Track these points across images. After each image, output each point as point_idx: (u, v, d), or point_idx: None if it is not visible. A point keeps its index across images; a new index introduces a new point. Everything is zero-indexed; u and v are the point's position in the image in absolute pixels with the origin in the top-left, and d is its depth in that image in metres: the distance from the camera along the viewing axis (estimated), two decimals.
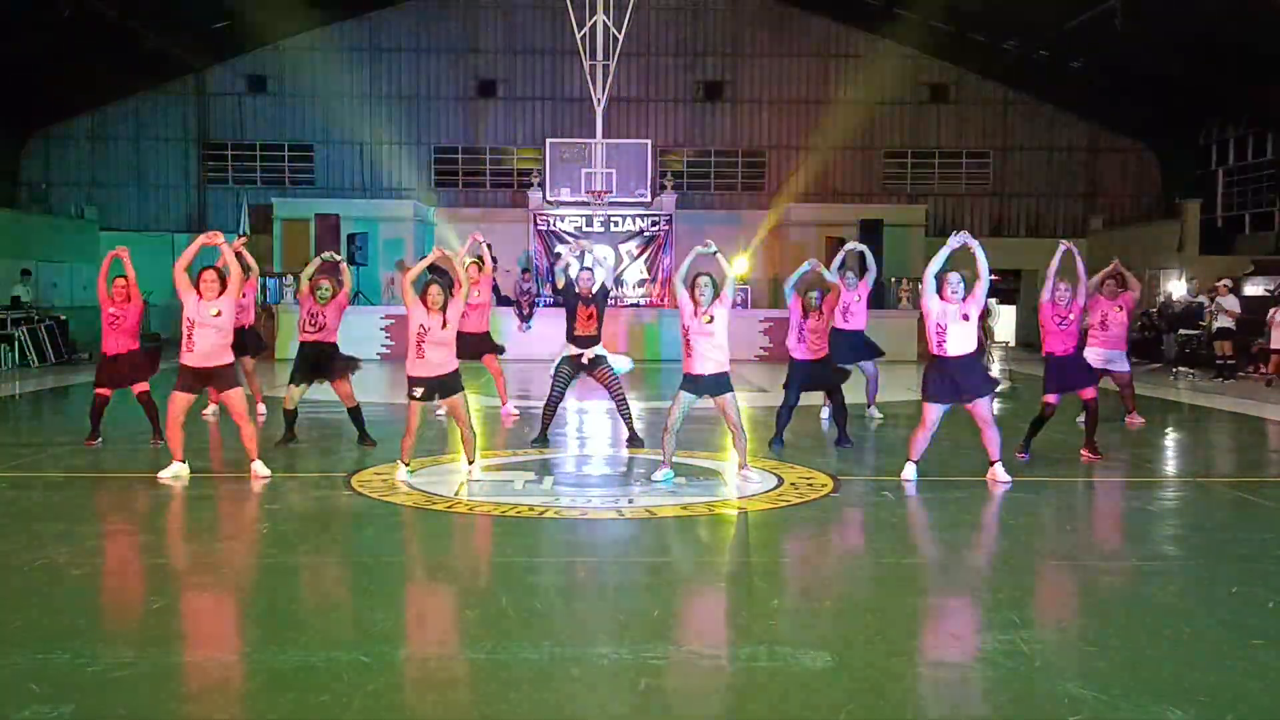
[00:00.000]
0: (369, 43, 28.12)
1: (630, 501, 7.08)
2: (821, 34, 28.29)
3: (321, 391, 9.73)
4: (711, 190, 28.67)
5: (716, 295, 7.52)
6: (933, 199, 27.96)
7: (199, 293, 7.48)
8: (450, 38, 28.14)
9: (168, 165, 28.11)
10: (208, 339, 7.49)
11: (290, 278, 20.87)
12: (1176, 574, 5.54)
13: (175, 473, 7.61)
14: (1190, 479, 8.51)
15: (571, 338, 9.25)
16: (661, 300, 24.40)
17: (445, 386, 7.55)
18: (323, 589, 5.30)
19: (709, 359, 7.53)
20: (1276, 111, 22.66)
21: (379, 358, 19.90)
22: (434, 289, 7.36)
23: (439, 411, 10.19)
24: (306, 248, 21.86)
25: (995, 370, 18.46)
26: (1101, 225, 27.66)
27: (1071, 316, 8.82)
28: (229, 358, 7.71)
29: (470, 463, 7.81)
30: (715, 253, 7.70)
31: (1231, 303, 17.12)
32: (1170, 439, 11.05)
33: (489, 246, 11.61)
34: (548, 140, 25.87)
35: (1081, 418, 9.21)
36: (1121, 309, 10.43)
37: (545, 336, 19.92)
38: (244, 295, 10.04)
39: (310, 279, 9.31)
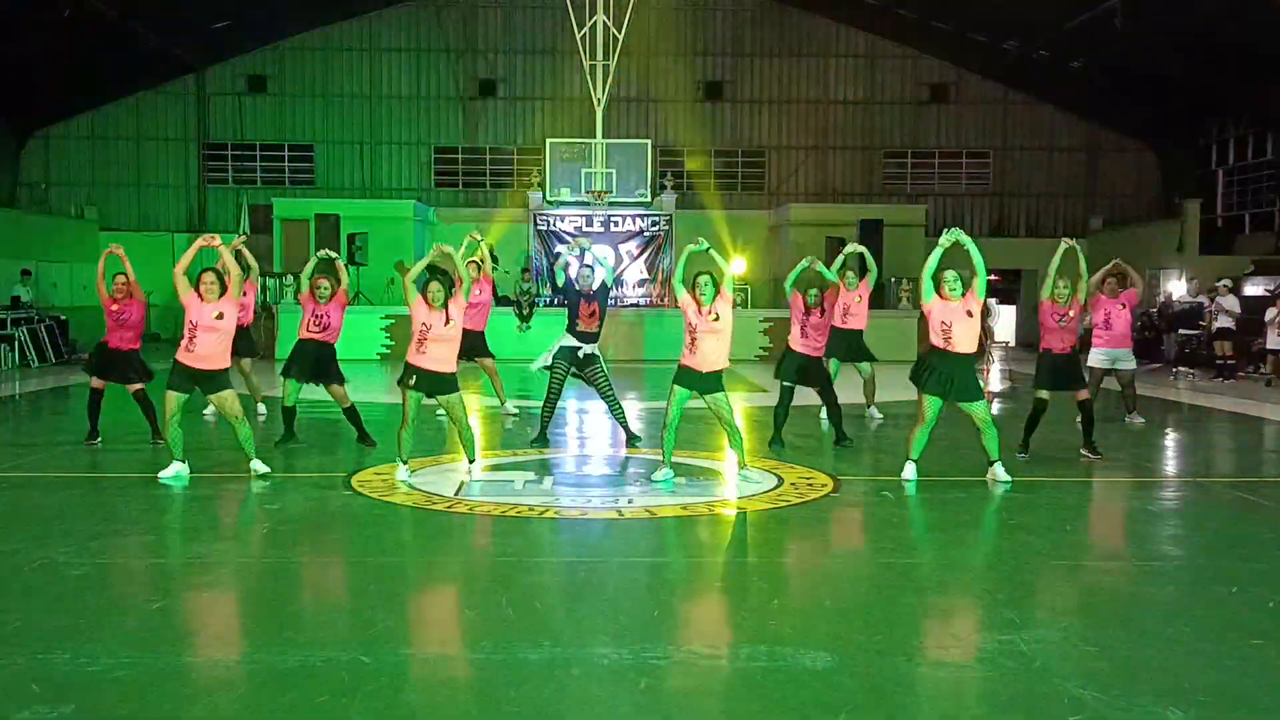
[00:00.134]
0: (369, 43, 28.11)
1: (630, 501, 7.08)
2: (821, 34, 28.28)
3: (320, 391, 9.72)
4: (712, 190, 28.66)
5: (717, 292, 7.53)
6: (933, 199, 27.94)
7: (199, 295, 7.48)
8: (450, 38, 28.13)
9: (168, 165, 28.10)
10: (209, 342, 7.50)
11: (290, 277, 20.88)
12: (1176, 574, 5.54)
13: (175, 472, 7.62)
14: (1190, 479, 8.51)
15: (573, 331, 9.26)
16: (662, 300, 24.40)
17: (440, 383, 7.54)
18: (323, 589, 5.30)
19: (713, 356, 7.54)
20: (1276, 111, 22.66)
21: (379, 358, 19.90)
22: (434, 285, 7.38)
23: (440, 412, 10.19)
24: (306, 248, 21.84)
25: (995, 370, 18.46)
26: (1101, 225, 27.65)
27: (1071, 314, 8.82)
28: (225, 363, 7.69)
29: (470, 462, 7.81)
30: (707, 249, 7.70)
31: (1231, 303, 17.12)
32: (1170, 439, 11.05)
33: (490, 247, 11.61)
34: (548, 140, 25.86)
35: (1080, 417, 9.20)
36: (1124, 307, 10.43)
37: (545, 337, 19.92)
38: (244, 295, 10.03)
39: (310, 280, 9.31)
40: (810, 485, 7.63)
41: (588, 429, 11.07)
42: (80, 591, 5.03)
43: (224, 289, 7.57)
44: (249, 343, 11.27)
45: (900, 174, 28.76)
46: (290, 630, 4.43)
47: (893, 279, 22.22)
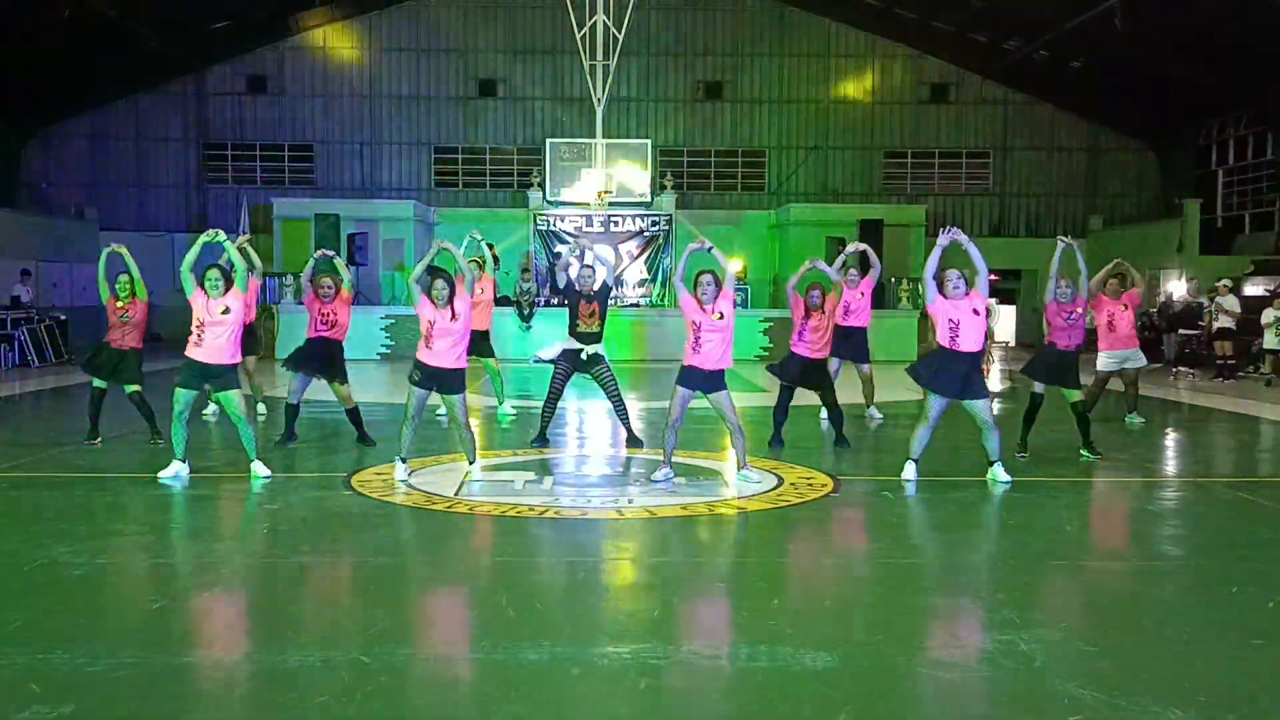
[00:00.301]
0: (369, 43, 28.12)
1: (630, 501, 7.08)
2: (821, 34, 28.29)
3: (321, 392, 9.73)
4: (711, 190, 28.67)
5: (719, 291, 7.52)
6: (933, 199, 27.95)
7: (205, 292, 7.51)
8: (450, 37, 28.14)
9: (168, 165, 28.11)
10: (217, 337, 7.53)
11: (290, 277, 20.88)
12: (1176, 574, 5.54)
13: (175, 472, 7.62)
14: (1190, 479, 8.51)
15: (574, 333, 9.27)
16: (662, 300, 24.40)
17: (446, 380, 7.55)
18: (322, 589, 5.30)
19: (716, 355, 7.53)
20: (1276, 111, 22.66)
21: (379, 358, 19.91)
22: (438, 283, 7.41)
23: (440, 412, 10.19)
24: (306, 248, 21.86)
25: (995, 370, 18.46)
26: (1101, 225, 27.66)
27: (1079, 311, 8.84)
28: (234, 359, 7.71)
29: (470, 462, 7.81)
30: (709, 250, 7.70)
31: (1231, 303, 17.12)
32: (1170, 439, 11.05)
33: (490, 246, 11.61)
34: (548, 140, 25.86)
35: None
36: (1127, 307, 10.42)
37: (545, 337, 19.93)
38: (248, 291, 10.03)
39: (313, 281, 9.31)
40: (810, 485, 7.63)
41: (588, 429, 11.07)
42: (80, 591, 5.03)
43: (229, 284, 7.59)
44: (253, 341, 11.28)
45: (900, 174, 28.77)
46: (290, 630, 4.43)
47: (893, 279, 22.23)
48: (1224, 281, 17.81)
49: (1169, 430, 11.61)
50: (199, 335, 7.52)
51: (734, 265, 23.36)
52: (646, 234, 25.24)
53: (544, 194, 25.06)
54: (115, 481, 7.74)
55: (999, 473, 7.63)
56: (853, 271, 11.04)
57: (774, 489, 7.45)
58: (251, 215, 25.20)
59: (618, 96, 26.00)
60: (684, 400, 7.64)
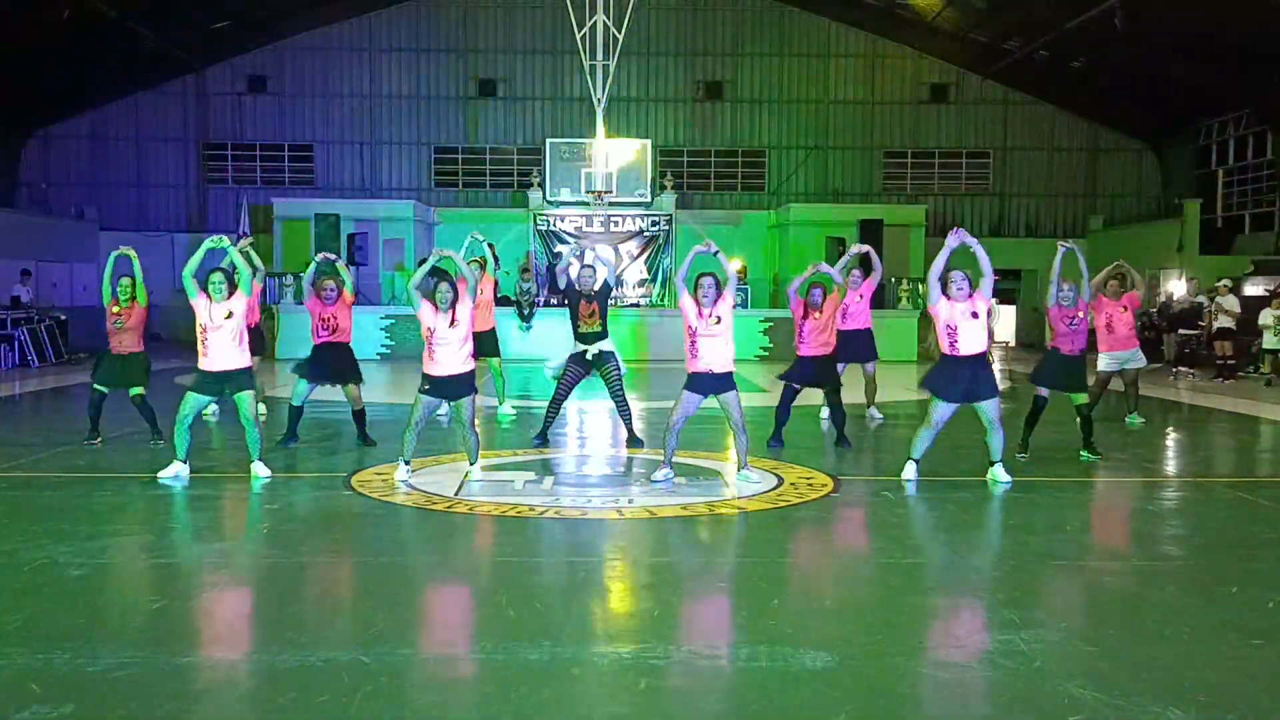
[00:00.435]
0: (369, 43, 28.12)
1: (630, 501, 7.08)
2: (821, 34, 28.29)
3: (323, 392, 9.73)
4: (711, 190, 28.67)
5: (720, 295, 7.52)
6: (933, 199, 27.96)
7: (209, 296, 7.51)
8: (450, 38, 28.13)
9: (168, 165, 28.10)
10: (222, 341, 7.53)
11: (290, 278, 20.89)
12: (1176, 574, 5.54)
13: (175, 472, 7.62)
14: (1190, 479, 8.51)
15: (576, 335, 9.28)
16: (662, 300, 24.41)
17: (455, 387, 7.55)
18: (323, 589, 5.30)
19: (715, 359, 7.53)
20: (1276, 111, 22.66)
21: (378, 358, 19.91)
22: (442, 286, 7.40)
23: (441, 412, 10.19)
24: (306, 248, 21.87)
25: (996, 370, 18.46)
26: (1101, 225, 27.66)
27: (1081, 315, 8.83)
28: (245, 360, 7.73)
29: (471, 464, 7.80)
30: (715, 253, 7.69)
31: (1231, 303, 17.12)
32: (1170, 439, 11.05)
33: (491, 246, 11.60)
34: (548, 140, 25.86)
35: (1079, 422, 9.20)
36: (1126, 309, 10.40)
37: (545, 337, 19.95)
38: (251, 294, 10.04)
39: (315, 284, 9.31)
40: (810, 485, 7.63)
41: (588, 429, 11.07)
42: (80, 591, 5.03)
43: (233, 288, 7.60)
44: (258, 341, 11.27)
45: (900, 174, 28.77)
46: (290, 630, 4.43)
47: (893, 279, 22.23)
48: (1224, 281, 17.81)
49: (1169, 430, 11.61)
50: (204, 343, 7.53)
51: (734, 264, 23.49)
52: (646, 234, 25.24)
53: (544, 194, 25.06)
54: (115, 481, 7.75)
55: (999, 473, 7.63)
56: (855, 273, 11.04)
57: (774, 489, 7.45)
58: (251, 215, 25.19)
59: (618, 96, 26.00)
60: (690, 405, 7.64)
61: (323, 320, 9.17)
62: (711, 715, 3.75)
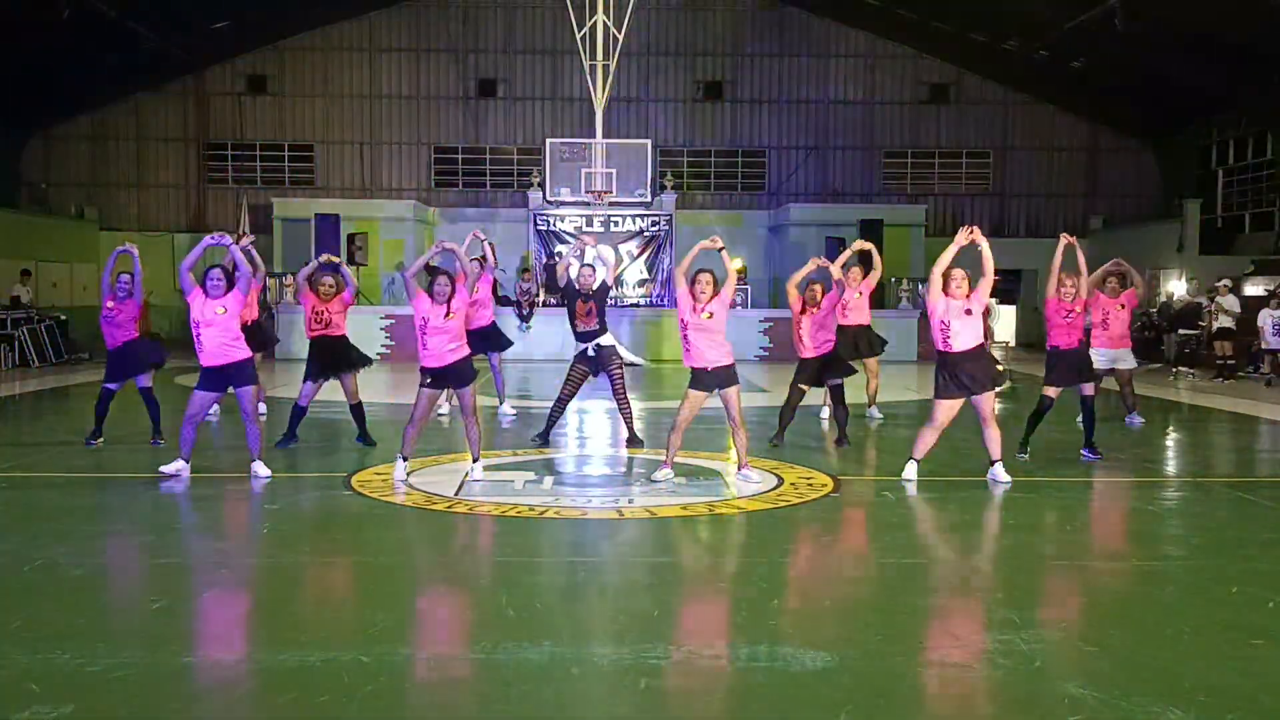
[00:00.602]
0: (369, 43, 28.11)
1: (630, 501, 7.08)
2: (821, 34, 28.29)
3: (323, 392, 9.72)
4: (711, 190, 28.67)
5: (716, 292, 7.52)
6: (933, 199, 27.96)
7: (205, 292, 7.52)
8: (450, 38, 28.13)
9: (168, 165, 28.10)
10: (215, 337, 7.52)
11: (290, 278, 20.88)
12: (1176, 574, 5.54)
13: (177, 469, 7.62)
14: (1190, 479, 8.51)
15: (575, 335, 9.28)
16: (662, 300, 24.40)
17: (454, 374, 7.55)
18: (322, 589, 5.30)
19: (708, 353, 7.53)
20: (1276, 111, 22.66)
21: (379, 358, 19.89)
22: (441, 278, 7.40)
23: (441, 412, 10.20)
24: (307, 248, 21.87)
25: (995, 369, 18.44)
26: (1101, 225, 27.66)
27: (1077, 310, 8.82)
28: (244, 352, 7.73)
29: (474, 460, 7.79)
30: (721, 250, 7.69)
31: (1231, 303, 17.12)
32: (1170, 439, 11.05)
33: (491, 246, 11.60)
34: (548, 140, 25.85)
35: (1081, 418, 9.20)
36: (1124, 307, 10.39)
37: (545, 337, 19.95)
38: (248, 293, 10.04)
39: (309, 278, 9.32)
40: (810, 485, 7.62)
41: (588, 429, 11.07)
42: (80, 591, 5.03)
43: (230, 285, 7.60)
44: (259, 338, 11.28)
45: (900, 174, 28.77)
46: (290, 630, 4.42)
47: (893, 279, 22.23)
48: (1224, 281, 17.81)
49: (1169, 430, 11.61)
50: (198, 339, 7.53)
51: (735, 264, 23.48)
52: (646, 234, 25.23)
53: (544, 194, 25.06)
54: (115, 481, 7.75)
55: (999, 473, 7.63)
56: (854, 270, 11.04)
57: (774, 489, 7.45)
58: (251, 215, 25.19)
59: (618, 96, 25.99)
60: (696, 403, 7.64)
61: (316, 314, 9.19)
62: (711, 715, 3.75)
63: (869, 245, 10.95)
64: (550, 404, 9.69)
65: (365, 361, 9.50)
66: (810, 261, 9.65)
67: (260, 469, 7.72)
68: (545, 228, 25.04)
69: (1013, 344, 27.44)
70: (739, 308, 21.12)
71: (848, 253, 10.77)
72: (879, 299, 19.29)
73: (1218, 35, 20.03)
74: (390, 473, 7.73)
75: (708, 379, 7.58)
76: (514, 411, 11.24)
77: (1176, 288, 22.61)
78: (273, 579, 5.43)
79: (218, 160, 28.22)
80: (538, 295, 21.79)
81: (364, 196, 27.13)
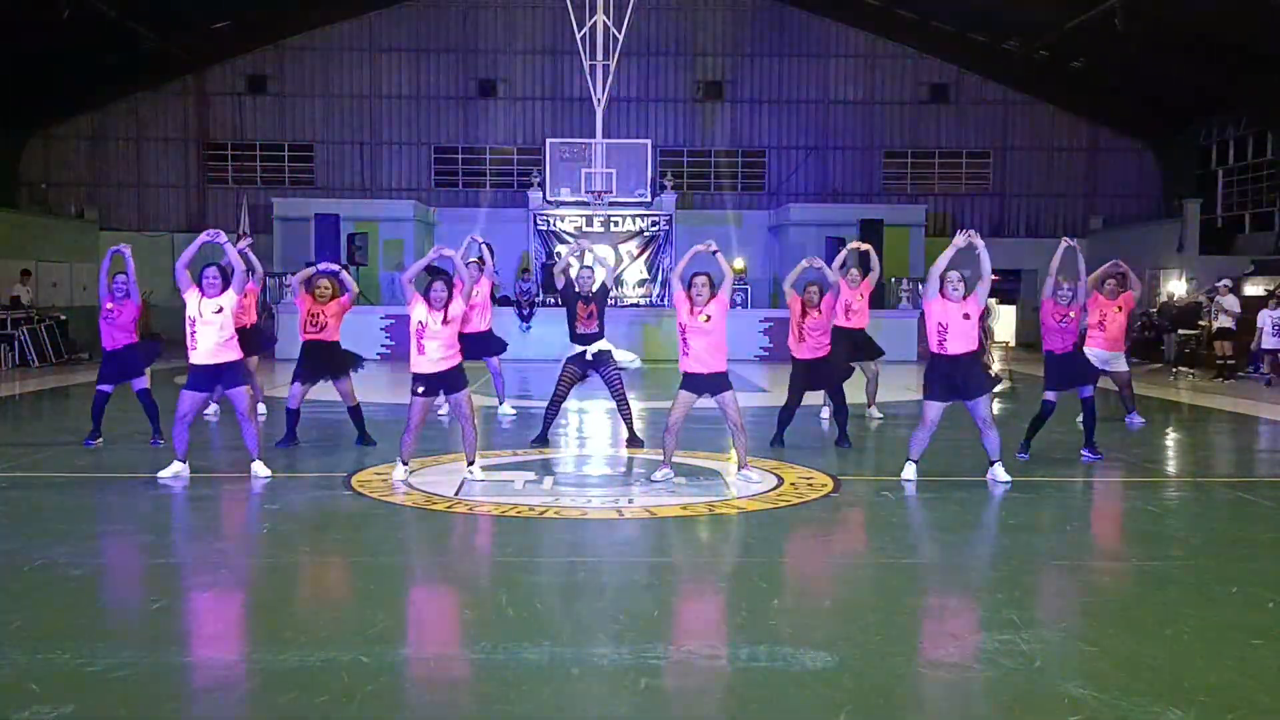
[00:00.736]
0: (369, 43, 28.12)
1: (630, 501, 7.08)
2: (821, 34, 28.29)
3: (322, 391, 9.73)
4: (711, 190, 28.67)
5: (713, 295, 7.52)
6: (933, 199, 27.96)
7: (201, 290, 7.51)
8: (450, 38, 28.13)
9: (168, 165, 28.10)
10: (209, 336, 7.51)
11: (289, 278, 20.88)
12: (1176, 574, 5.54)
13: (175, 472, 7.62)
14: (1190, 479, 8.51)
15: (574, 336, 9.27)
16: (661, 300, 24.40)
17: (448, 382, 7.55)
18: (322, 589, 5.30)
19: (706, 358, 7.53)
20: (1276, 111, 22.66)
21: (378, 358, 19.89)
22: (438, 284, 7.39)
23: (441, 411, 10.19)
24: (306, 248, 21.87)
25: (995, 370, 18.45)
26: (1101, 225, 27.66)
27: (1072, 314, 8.81)
28: (236, 354, 7.72)
29: (470, 463, 7.80)
30: (715, 253, 7.70)
31: (1231, 303, 17.12)
32: (1170, 439, 11.05)
33: (489, 247, 11.60)
34: (548, 140, 25.85)
35: (1081, 417, 9.20)
36: (1121, 309, 10.39)
37: (545, 337, 19.94)
38: (244, 295, 10.04)
39: (307, 281, 9.32)
40: (810, 485, 7.62)
41: (588, 429, 11.07)
42: (80, 591, 5.03)
43: (226, 284, 7.60)
44: (258, 340, 11.28)
45: (900, 174, 28.77)
46: (290, 630, 4.42)
47: (893, 279, 22.23)
48: (1224, 281, 17.81)
49: (1169, 430, 11.61)
50: (192, 336, 7.52)
51: (735, 264, 23.55)
52: (646, 234, 25.24)
53: (544, 194, 25.06)
54: (115, 481, 7.74)
55: (999, 473, 7.63)
56: (853, 271, 11.03)
57: (774, 489, 7.45)
58: (251, 215, 25.18)
59: (618, 96, 25.99)
60: (686, 405, 7.65)
61: (310, 316, 9.18)
62: (711, 715, 3.75)
63: (867, 246, 10.94)
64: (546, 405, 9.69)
65: (356, 364, 9.45)
66: (803, 261, 9.64)
67: (260, 469, 7.72)
68: (545, 228, 25.04)
69: (1012, 344, 27.42)
70: (738, 307, 21.11)
71: (844, 253, 10.76)
72: (878, 299, 19.28)
73: (1218, 35, 20.03)
74: (390, 473, 7.73)
75: (699, 384, 7.59)
76: (514, 412, 11.25)
77: (1176, 288, 22.61)
78: (272, 579, 5.43)
79: (218, 160, 28.22)
80: (537, 295, 21.79)
81: (364, 196, 27.14)
